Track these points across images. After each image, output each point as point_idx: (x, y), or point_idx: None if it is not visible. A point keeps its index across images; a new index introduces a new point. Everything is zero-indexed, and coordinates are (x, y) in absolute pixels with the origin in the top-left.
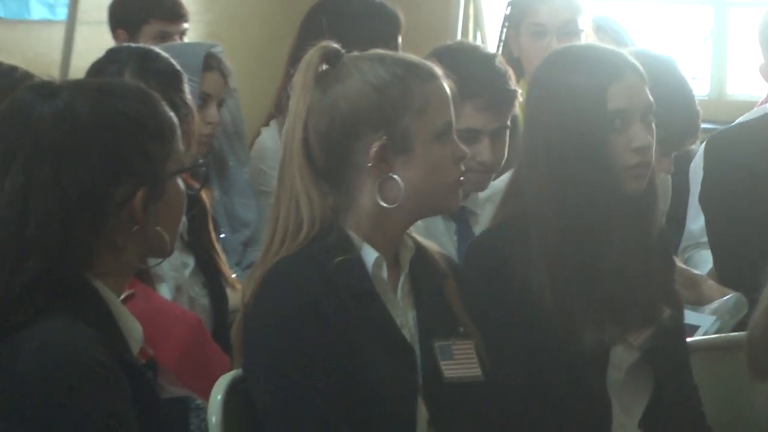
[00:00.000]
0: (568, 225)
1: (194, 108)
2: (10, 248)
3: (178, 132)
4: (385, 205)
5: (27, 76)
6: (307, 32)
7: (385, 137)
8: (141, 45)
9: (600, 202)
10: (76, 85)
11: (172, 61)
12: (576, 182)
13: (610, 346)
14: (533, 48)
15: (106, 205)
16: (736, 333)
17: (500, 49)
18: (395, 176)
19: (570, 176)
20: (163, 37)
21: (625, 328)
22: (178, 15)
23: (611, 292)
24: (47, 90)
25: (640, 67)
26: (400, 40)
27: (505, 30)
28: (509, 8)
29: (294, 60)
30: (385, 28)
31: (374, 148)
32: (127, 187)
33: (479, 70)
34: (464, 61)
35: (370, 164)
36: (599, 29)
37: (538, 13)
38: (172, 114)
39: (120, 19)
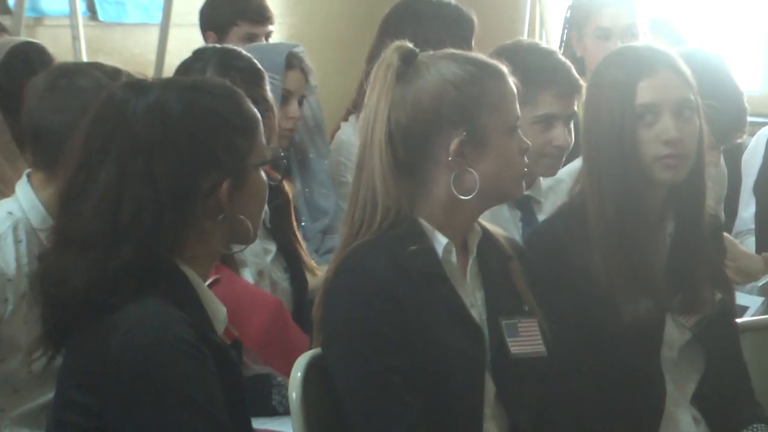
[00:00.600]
0: (615, 212)
1: (274, 104)
2: (105, 236)
3: (261, 126)
4: (460, 196)
5: (129, 77)
6: (387, 33)
7: (464, 133)
8: (224, 45)
9: (633, 190)
10: (167, 82)
11: (254, 59)
12: (609, 172)
13: (660, 327)
14: (598, 49)
15: (194, 195)
16: None
17: (562, 49)
18: (471, 170)
19: (604, 166)
20: (250, 39)
21: (675, 310)
22: (264, 18)
23: (657, 273)
24: (140, 87)
25: (680, 65)
26: (473, 42)
27: (566, 32)
28: (569, 12)
29: (373, 59)
30: (460, 31)
31: (454, 143)
32: (214, 178)
33: (548, 62)
34: (530, 55)
35: (450, 158)
36: (655, 30)
37: (603, 17)
38: (254, 109)
39: (210, 22)
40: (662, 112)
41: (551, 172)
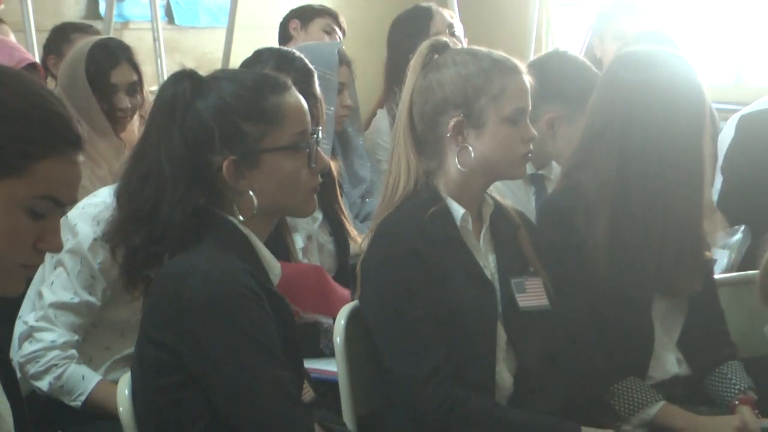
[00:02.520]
0: (623, 197)
1: (336, 95)
2: (150, 198)
3: (287, 117)
4: (461, 168)
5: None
6: (396, 39)
7: (462, 114)
8: (280, 47)
9: (651, 176)
10: (218, 74)
11: (305, 60)
12: (632, 160)
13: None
14: (615, 51)
15: (205, 167)
16: (753, 271)
17: (583, 52)
18: (469, 146)
19: (627, 156)
20: (327, 32)
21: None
22: (337, 18)
23: (661, 258)
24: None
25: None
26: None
27: (589, 36)
28: (595, 19)
29: (391, 62)
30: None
31: (452, 122)
32: (219, 155)
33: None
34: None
35: (449, 135)
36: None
37: (621, 22)
38: (284, 103)
39: (296, 12)
40: None
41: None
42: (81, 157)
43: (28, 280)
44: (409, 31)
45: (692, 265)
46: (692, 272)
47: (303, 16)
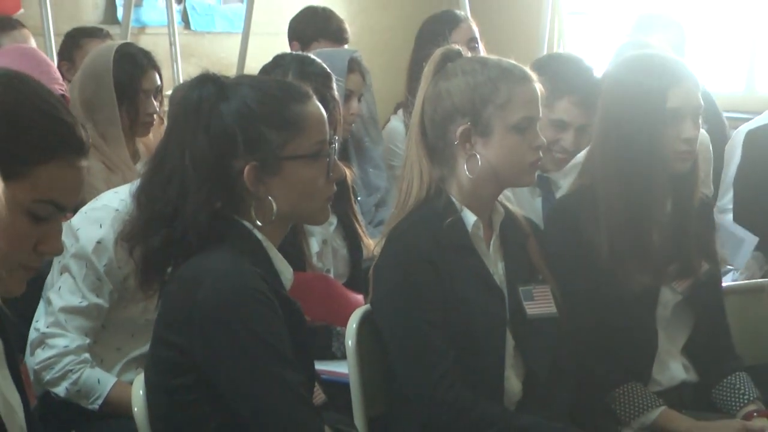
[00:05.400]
0: (627, 194)
1: (340, 102)
2: (169, 203)
3: (309, 126)
4: (469, 175)
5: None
6: (422, 41)
7: (469, 122)
8: (300, 52)
9: (653, 179)
10: (241, 80)
11: (324, 65)
12: (636, 162)
13: (656, 289)
14: None
15: (226, 171)
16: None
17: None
18: (476, 154)
19: (632, 157)
20: None
21: (669, 276)
22: (341, 37)
23: (656, 248)
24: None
25: (695, 76)
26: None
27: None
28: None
29: (413, 62)
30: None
31: (460, 129)
32: (241, 160)
33: (571, 72)
34: (559, 65)
35: (456, 142)
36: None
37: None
38: (306, 113)
39: (296, 34)
40: (685, 115)
41: (555, 168)
42: (84, 162)
43: (29, 282)
44: (431, 35)
45: (691, 250)
46: (693, 256)
47: (303, 38)
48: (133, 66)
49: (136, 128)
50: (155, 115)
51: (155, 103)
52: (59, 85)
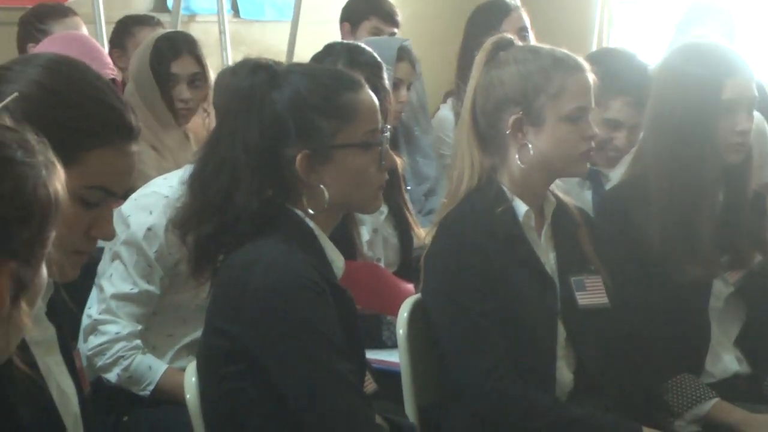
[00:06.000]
0: (678, 186)
1: (390, 90)
2: (221, 190)
3: (361, 114)
4: (521, 165)
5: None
6: (473, 29)
7: (521, 112)
8: (350, 41)
9: (705, 170)
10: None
11: (374, 54)
12: (689, 152)
13: (708, 281)
14: None
15: (279, 159)
16: None
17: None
18: (528, 143)
19: (686, 147)
20: (376, 33)
21: (721, 268)
22: (392, 19)
23: (708, 239)
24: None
25: (749, 67)
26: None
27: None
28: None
29: (464, 50)
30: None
31: (512, 119)
32: (293, 148)
33: (628, 72)
34: (615, 61)
35: (508, 131)
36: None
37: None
38: (357, 101)
39: (347, 14)
40: (740, 107)
41: (608, 166)
42: (134, 147)
43: (83, 267)
44: (481, 24)
45: (743, 241)
46: (745, 247)
47: (353, 18)
48: (168, 50)
49: (174, 115)
50: (200, 105)
51: (187, 90)
52: (110, 70)
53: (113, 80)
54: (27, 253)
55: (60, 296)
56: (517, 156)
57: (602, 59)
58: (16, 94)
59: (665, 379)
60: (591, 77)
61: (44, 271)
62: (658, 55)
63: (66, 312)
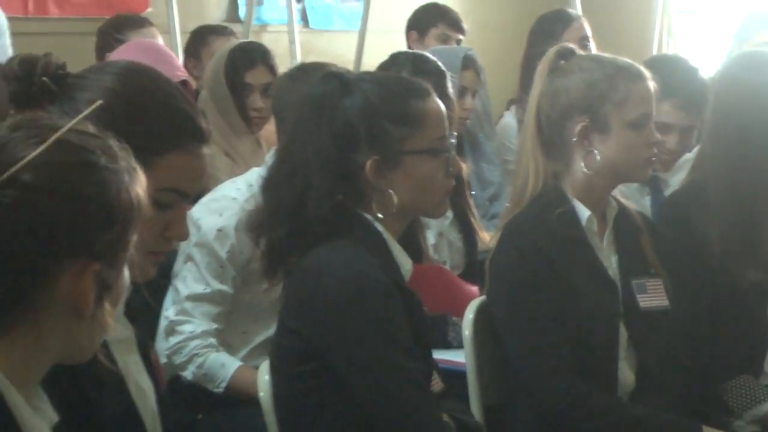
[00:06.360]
0: (738, 191)
1: (455, 98)
2: (293, 195)
3: (428, 121)
4: (587, 171)
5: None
6: (535, 38)
7: (587, 119)
8: (415, 51)
9: (764, 176)
10: (361, 76)
11: (439, 63)
12: (748, 159)
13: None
14: None
15: (349, 164)
16: None
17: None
18: (594, 150)
19: (744, 154)
20: (443, 40)
21: None
22: (458, 26)
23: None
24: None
25: None
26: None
27: (733, 44)
28: (738, 28)
29: (527, 59)
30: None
31: (578, 127)
32: (363, 154)
33: (677, 75)
34: (665, 66)
35: (575, 139)
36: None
37: (762, 35)
38: (426, 109)
39: (414, 23)
40: None
41: (663, 169)
42: (206, 150)
43: (159, 268)
44: (544, 33)
45: None
46: None
47: (420, 26)
48: (243, 60)
49: (248, 122)
50: (268, 111)
51: (260, 99)
52: (180, 72)
53: (184, 82)
54: (110, 256)
55: (138, 297)
56: (582, 162)
57: (651, 65)
58: (99, 102)
59: (725, 381)
60: (652, 85)
61: (126, 272)
62: (717, 65)
63: (145, 312)
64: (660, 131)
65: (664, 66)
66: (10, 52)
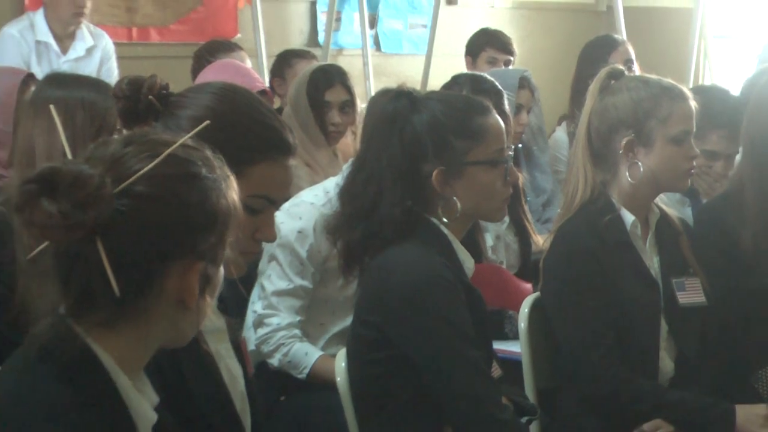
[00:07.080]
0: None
1: (511, 115)
2: (367, 200)
3: (489, 135)
4: (631, 181)
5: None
6: (585, 61)
7: (633, 134)
8: (475, 72)
9: None
10: (429, 95)
11: (496, 83)
12: None
13: None
14: None
15: (417, 174)
16: None
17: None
18: (638, 162)
19: None
20: (492, 62)
21: None
22: (506, 48)
23: None
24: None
25: None
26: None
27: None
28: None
29: (577, 80)
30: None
31: (624, 140)
32: (430, 165)
33: (727, 109)
34: (716, 98)
35: (621, 151)
36: None
37: None
38: (488, 124)
39: (468, 49)
40: None
41: (709, 190)
42: (292, 161)
43: (250, 265)
44: (592, 56)
45: None
46: None
47: (472, 51)
48: (323, 81)
49: (326, 136)
50: (349, 128)
51: (338, 115)
52: (259, 83)
53: (263, 92)
54: (212, 255)
55: (230, 292)
56: (627, 173)
57: (700, 95)
58: (207, 122)
59: (757, 370)
60: (693, 104)
61: (222, 268)
62: (743, 82)
63: (236, 305)
64: (707, 158)
65: (712, 99)
66: (116, 73)
